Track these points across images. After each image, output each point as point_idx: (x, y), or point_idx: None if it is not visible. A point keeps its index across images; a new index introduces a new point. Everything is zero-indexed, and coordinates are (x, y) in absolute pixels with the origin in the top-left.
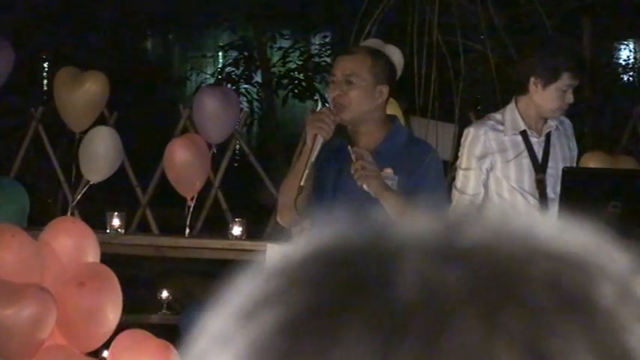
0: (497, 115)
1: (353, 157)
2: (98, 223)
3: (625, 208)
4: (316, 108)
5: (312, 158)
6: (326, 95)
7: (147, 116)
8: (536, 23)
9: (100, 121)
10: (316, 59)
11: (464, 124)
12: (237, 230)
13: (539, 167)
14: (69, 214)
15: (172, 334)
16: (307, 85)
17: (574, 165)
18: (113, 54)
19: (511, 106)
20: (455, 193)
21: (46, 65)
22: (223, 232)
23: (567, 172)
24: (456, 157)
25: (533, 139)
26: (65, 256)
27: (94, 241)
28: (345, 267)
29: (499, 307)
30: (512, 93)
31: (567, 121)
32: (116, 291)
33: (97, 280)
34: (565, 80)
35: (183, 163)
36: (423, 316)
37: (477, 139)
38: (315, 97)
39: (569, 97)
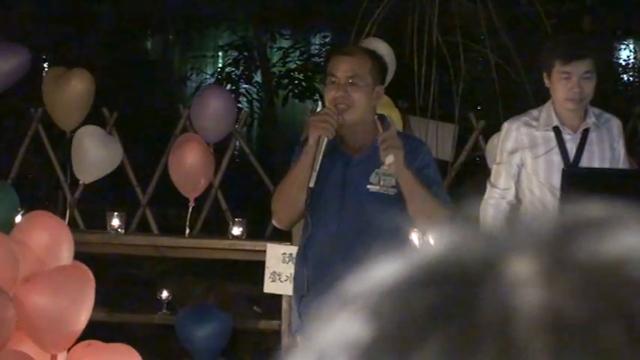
0: (535, 112)
1: (380, 127)
2: (98, 223)
3: (625, 208)
4: (316, 108)
5: (319, 159)
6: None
7: (147, 116)
8: (536, 23)
9: (100, 120)
10: (316, 59)
11: (463, 124)
12: (237, 230)
13: (570, 164)
14: (67, 214)
15: (172, 334)
16: (307, 85)
17: (617, 165)
18: (113, 54)
19: (549, 103)
20: (488, 186)
21: (46, 65)
22: (223, 232)
23: (567, 172)
24: (456, 158)
25: (567, 136)
26: (38, 253)
27: (69, 236)
28: (431, 288)
29: (568, 344)
30: (512, 93)
31: (615, 121)
32: (84, 289)
33: (56, 278)
34: (558, 67)
35: (190, 164)
36: (493, 345)
37: (509, 133)
38: (315, 97)
39: (573, 87)
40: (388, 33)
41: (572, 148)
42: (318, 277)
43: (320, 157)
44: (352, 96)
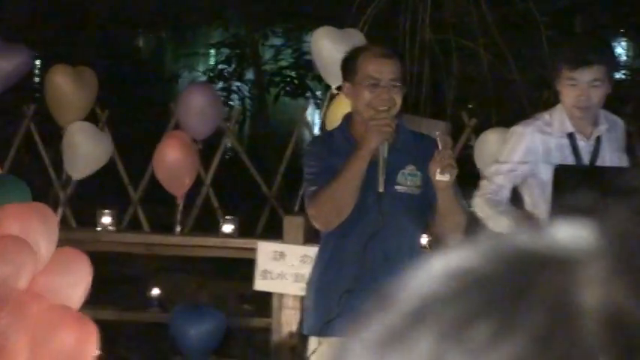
0: (546, 116)
1: (440, 144)
2: (89, 221)
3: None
4: (308, 106)
5: (383, 164)
6: (318, 92)
7: (138, 114)
8: (529, 21)
9: (92, 118)
10: (308, 57)
11: (455, 121)
12: (228, 228)
13: None
14: (60, 211)
15: (163, 332)
16: (299, 82)
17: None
18: (105, 52)
19: (560, 107)
20: (483, 180)
21: (38, 63)
22: (214, 229)
23: (560, 170)
24: None
25: (581, 143)
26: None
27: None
28: (516, 274)
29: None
30: (504, 90)
31: (619, 122)
32: (24, 258)
33: None
34: (565, 73)
35: (173, 161)
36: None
37: (523, 138)
38: (307, 95)
39: (580, 94)
40: (380, 31)
41: (585, 156)
42: (361, 273)
43: (384, 161)
44: (395, 98)
